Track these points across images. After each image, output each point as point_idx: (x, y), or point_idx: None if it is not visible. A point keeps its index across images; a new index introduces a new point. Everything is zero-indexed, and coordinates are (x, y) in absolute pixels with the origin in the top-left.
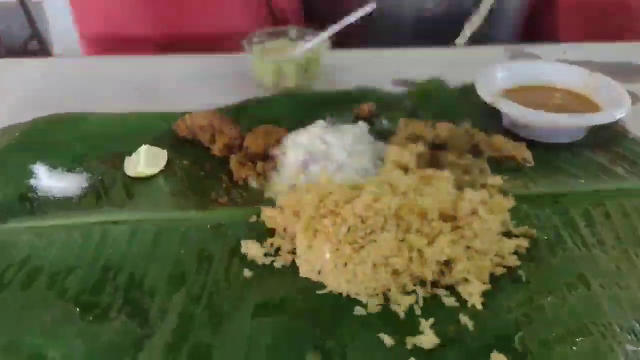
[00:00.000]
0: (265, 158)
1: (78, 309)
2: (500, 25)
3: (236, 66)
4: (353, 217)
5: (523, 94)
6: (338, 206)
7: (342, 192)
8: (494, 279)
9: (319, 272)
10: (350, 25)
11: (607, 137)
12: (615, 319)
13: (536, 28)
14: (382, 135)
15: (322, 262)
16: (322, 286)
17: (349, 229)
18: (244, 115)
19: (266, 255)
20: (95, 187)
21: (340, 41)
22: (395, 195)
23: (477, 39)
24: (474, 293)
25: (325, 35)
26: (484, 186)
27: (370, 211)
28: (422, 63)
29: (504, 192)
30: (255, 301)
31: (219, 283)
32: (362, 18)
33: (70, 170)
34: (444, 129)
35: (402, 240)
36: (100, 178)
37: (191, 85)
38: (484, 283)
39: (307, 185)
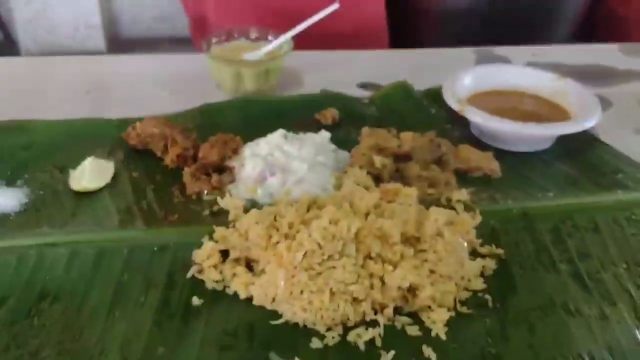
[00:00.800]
0: (221, 170)
1: (9, 344)
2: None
3: (194, 66)
4: (309, 241)
5: (491, 99)
6: (292, 228)
7: (297, 213)
8: (457, 303)
9: (273, 300)
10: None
11: (577, 145)
12: (586, 349)
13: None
14: (344, 143)
15: (277, 289)
16: (276, 315)
17: (304, 254)
18: (199, 122)
19: (217, 281)
20: (35, 204)
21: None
22: (356, 216)
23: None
24: (437, 321)
25: (288, 35)
26: (449, 200)
27: (327, 235)
28: (389, 65)
29: (469, 207)
30: (202, 334)
31: (164, 313)
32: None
33: (8, 183)
34: (407, 139)
35: (362, 266)
36: (41, 193)
37: (147, 88)
38: (449, 309)
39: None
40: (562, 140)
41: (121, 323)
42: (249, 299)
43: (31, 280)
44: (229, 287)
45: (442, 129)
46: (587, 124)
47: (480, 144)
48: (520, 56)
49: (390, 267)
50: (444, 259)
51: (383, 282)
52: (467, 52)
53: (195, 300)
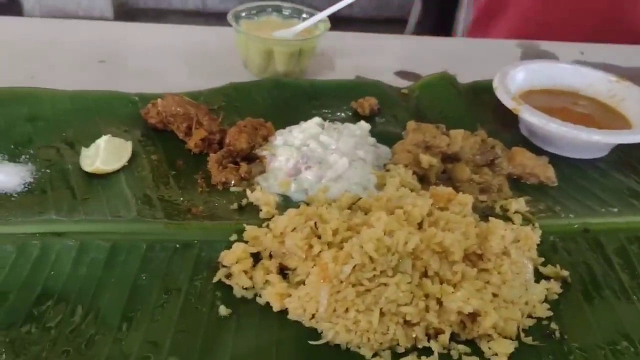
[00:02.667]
0: (250, 158)
1: (3, 350)
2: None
3: (218, 40)
4: (360, 253)
5: (543, 98)
6: (337, 236)
7: (342, 218)
8: (520, 332)
9: (313, 316)
10: None
11: (634, 155)
12: None
13: None
14: (384, 137)
15: (318, 304)
16: (315, 334)
17: (354, 268)
18: (224, 102)
19: (246, 288)
20: (40, 184)
21: None
22: (409, 225)
23: None
24: (500, 353)
25: (324, 14)
26: (505, 210)
27: (381, 248)
28: (428, 53)
29: (527, 219)
30: (231, 352)
31: (187, 324)
32: None
33: (10, 158)
34: (457, 137)
35: (417, 285)
36: (48, 171)
37: (166, 61)
38: (512, 339)
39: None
40: (619, 148)
41: (136, 333)
42: (284, 312)
43: (33, 276)
44: (260, 296)
45: (488, 128)
46: None
47: (528, 146)
48: (568, 53)
49: (450, 289)
50: (508, 282)
51: (440, 305)
52: (510, 45)
53: (223, 310)
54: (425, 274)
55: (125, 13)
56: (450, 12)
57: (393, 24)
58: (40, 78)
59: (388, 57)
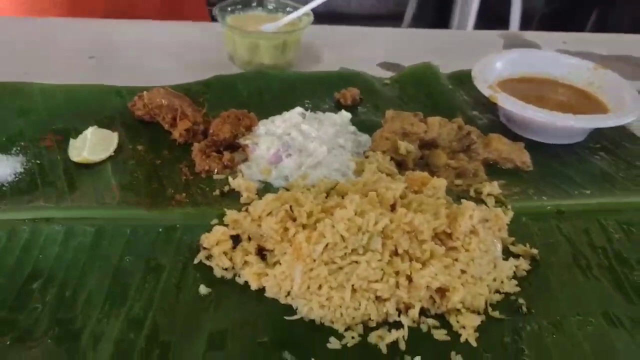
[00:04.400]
0: (233, 147)
1: None
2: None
3: (205, 35)
4: (331, 232)
5: (522, 86)
6: (311, 217)
7: (317, 201)
8: (488, 306)
9: (288, 294)
10: None
11: (611, 140)
12: None
13: None
14: (365, 125)
15: (293, 282)
16: (291, 310)
17: (325, 247)
18: (210, 94)
19: (226, 269)
20: (31, 174)
21: None
22: (382, 207)
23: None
24: (467, 326)
25: (307, 7)
26: (478, 193)
27: (352, 227)
28: (412, 45)
29: (500, 201)
30: (210, 328)
31: (168, 302)
32: None
33: (3, 150)
34: (434, 124)
35: (387, 263)
36: (38, 162)
37: (154, 56)
38: (479, 313)
39: (271, 201)
40: (595, 133)
41: (120, 312)
42: (261, 290)
43: (22, 258)
44: (239, 275)
45: (468, 115)
46: (628, 119)
47: (507, 133)
48: (551, 42)
49: (419, 265)
50: (476, 259)
51: (410, 281)
52: (493, 35)
53: (203, 289)
54: (395, 253)
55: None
56: (447, 5)
57: (393, 19)
58: (33, 74)
59: (372, 49)
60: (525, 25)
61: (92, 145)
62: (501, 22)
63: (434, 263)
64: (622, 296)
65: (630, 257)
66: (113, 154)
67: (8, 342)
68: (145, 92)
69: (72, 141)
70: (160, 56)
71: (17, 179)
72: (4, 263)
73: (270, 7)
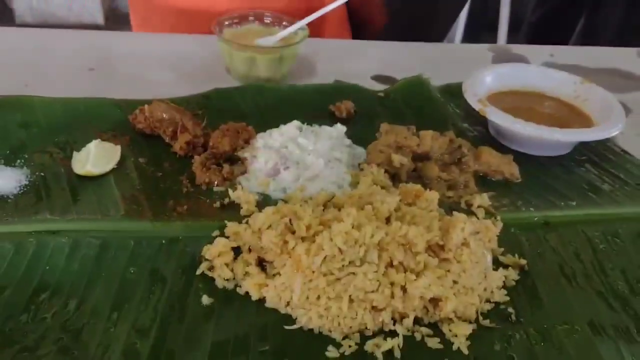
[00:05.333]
0: (232, 160)
1: (2, 340)
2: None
3: (205, 48)
4: (329, 245)
5: (510, 100)
6: (309, 230)
7: (315, 214)
8: (479, 315)
9: (288, 304)
10: None
11: (596, 151)
12: None
13: None
14: (359, 138)
15: (292, 293)
16: (290, 320)
17: (324, 259)
18: (209, 107)
19: (227, 279)
20: (35, 186)
21: None
22: (377, 220)
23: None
24: (459, 334)
25: (303, 22)
26: (469, 205)
27: (349, 240)
28: (405, 58)
29: (490, 213)
30: (213, 337)
31: (172, 312)
32: None
33: (7, 163)
34: (427, 138)
35: (383, 274)
36: (42, 175)
37: (153, 69)
38: (471, 322)
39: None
40: (581, 146)
41: (125, 322)
42: (262, 301)
43: (29, 271)
44: (240, 286)
45: (459, 128)
46: (613, 132)
47: (496, 145)
48: (538, 56)
49: (413, 276)
50: (468, 270)
51: (404, 292)
52: (483, 50)
53: (206, 300)
54: (390, 264)
55: (116, 18)
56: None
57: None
58: (33, 86)
59: (366, 62)
60: (512, 32)
61: (96, 158)
62: (489, 28)
63: (428, 274)
64: (606, 305)
65: (615, 267)
66: (116, 166)
67: (19, 353)
68: (146, 106)
69: (75, 154)
70: (159, 68)
71: (22, 191)
72: (12, 275)
73: (267, 21)
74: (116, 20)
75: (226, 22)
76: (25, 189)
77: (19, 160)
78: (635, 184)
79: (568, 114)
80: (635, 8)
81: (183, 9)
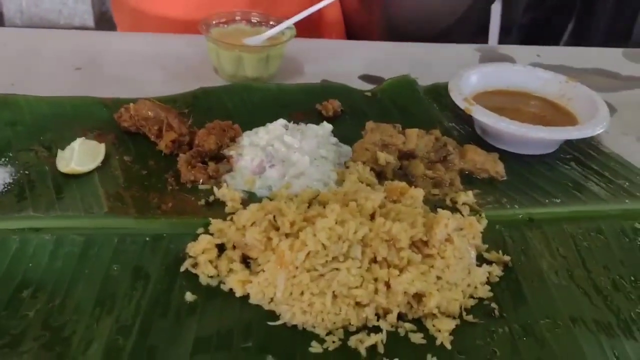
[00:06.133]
0: (218, 158)
1: None
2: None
3: (191, 48)
4: (313, 241)
5: (495, 99)
6: (293, 226)
7: (299, 211)
8: (463, 311)
9: (271, 300)
10: None
11: (582, 150)
12: None
13: None
14: (346, 136)
15: (276, 289)
16: (274, 316)
17: (307, 254)
18: (195, 106)
19: (211, 276)
20: (19, 184)
21: None
22: (362, 216)
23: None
24: (442, 330)
25: (290, 22)
26: (454, 202)
27: (333, 236)
28: (392, 58)
29: (475, 210)
30: (196, 333)
31: (155, 309)
32: None
33: None
34: (412, 136)
35: (367, 270)
36: (26, 172)
37: (140, 68)
38: (454, 317)
39: (254, 211)
40: (567, 145)
41: (108, 319)
42: (245, 297)
43: (12, 268)
44: (224, 283)
45: (445, 127)
46: (597, 130)
47: (482, 144)
48: (525, 56)
49: (397, 272)
50: (451, 266)
51: (388, 287)
52: (470, 50)
53: (189, 296)
54: (374, 260)
55: (106, 21)
56: None
57: None
58: (19, 85)
59: (353, 62)
60: (503, 35)
61: (80, 156)
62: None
63: (411, 270)
64: (588, 300)
65: (598, 263)
66: (100, 164)
67: (1, 349)
68: (131, 104)
69: (60, 152)
70: (146, 67)
71: (5, 189)
72: None
73: (254, 20)
74: (107, 23)
75: (213, 22)
76: (9, 187)
77: (3, 159)
78: (617, 180)
79: (553, 113)
80: (622, 14)
81: (176, 19)
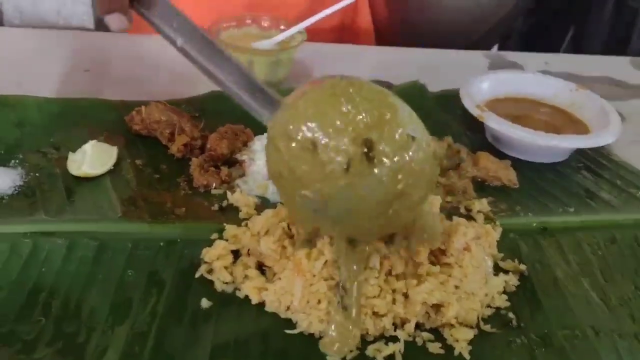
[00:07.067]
0: (231, 163)
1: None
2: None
3: None
4: (330, 250)
5: (507, 106)
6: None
7: None
8: (480, 320)
9: (288, 308)
10: None
11: (591, 158)
12: None
13: None
14: None
15: (293, 297)
16: (290, 324)
17: (325, 263)
18: (206, 109)
19: (227, 283)
20: (30, 187)
21: None
22: None
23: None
24: (460, 339)
25: (301, 26)
26: (468, 210)
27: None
28: (400, 63)
29: (489, 218)
30: (212, 340)
31: (171, 315)
32: None
33: (1, 163)
34: None
35: (385, 280)
36: (37, 175)
37: (149, 70)
38: (472, 327)
39: (269, 218)
40: (578, 153)
41: (123, 325)
42: (261, 304)
43: (25, 272)
44: (239, 289)
45: (456, 134)
46: (609, 139)
47: (493, 151)
48: (533, 63)
49: (415, 282)
50: (469, 275)
51: (406, 297)
52: (479, 56)
53: (205, 303)
54: (390, 273)
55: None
56: None
57: None
58: (26, 86)
59: (363, 67)
60: (503, 42)
61: (92, 159)
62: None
63: (430, 280)
64: (606, 310)
65: (613, 273)
66: (112, 168)
67: (14, 355)
68: (143, 107)
69: (71, 155)
70: (155, 70)
71: (16, 191)
72: (7, 277)
73: (264, 24)
74: (106, 25)
75: (223, 25)
76: (20, 190)
77: (13, 161)
78: (629, 189)
79: (564, 121)
80: (619, 22)
81: None
